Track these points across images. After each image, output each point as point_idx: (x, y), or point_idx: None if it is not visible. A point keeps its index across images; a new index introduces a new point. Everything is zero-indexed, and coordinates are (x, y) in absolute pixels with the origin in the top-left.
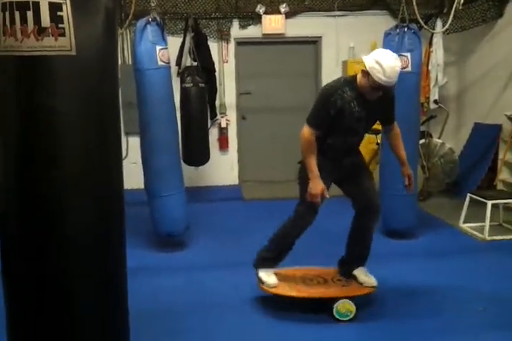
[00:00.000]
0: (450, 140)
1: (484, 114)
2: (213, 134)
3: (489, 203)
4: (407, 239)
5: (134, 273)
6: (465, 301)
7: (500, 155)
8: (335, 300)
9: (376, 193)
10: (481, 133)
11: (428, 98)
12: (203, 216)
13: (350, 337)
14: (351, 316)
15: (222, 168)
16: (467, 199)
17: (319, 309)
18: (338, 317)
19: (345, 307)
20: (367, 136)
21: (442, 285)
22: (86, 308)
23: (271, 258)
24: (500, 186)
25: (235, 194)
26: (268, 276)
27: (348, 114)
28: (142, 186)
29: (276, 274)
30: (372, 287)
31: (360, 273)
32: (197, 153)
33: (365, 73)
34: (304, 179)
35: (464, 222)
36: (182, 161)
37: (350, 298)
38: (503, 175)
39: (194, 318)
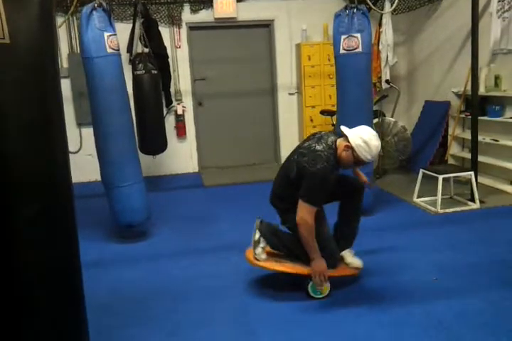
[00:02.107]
0: (402, 118)
1: (433, 92)
2: (170, 122)
3: (440, 177)
4: (364, 216)
5: (96, 265)
6: (420, 271)
7: (450, 131)
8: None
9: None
10: (431, 111)
11: (380, 78)
12: (163, 205)
13: (317, 307)
14: (325, 294)
15: (181, 156)
16: (420, 174)
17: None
18: (311, 293)
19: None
20: (323, 117)
21: (398, 257)
22: (37, 302)
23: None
24: (450, 161)
25: (195, 181)
26: (262, 252)
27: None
28: (100, 178)
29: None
30: (357, 268)
31: (347, 255)
32: (153, 142)
33: (349, 148)
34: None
35: (418, 197)
36: (139, 150)
37: (335, 278)
38: (453, 149)
39: (160, 306)
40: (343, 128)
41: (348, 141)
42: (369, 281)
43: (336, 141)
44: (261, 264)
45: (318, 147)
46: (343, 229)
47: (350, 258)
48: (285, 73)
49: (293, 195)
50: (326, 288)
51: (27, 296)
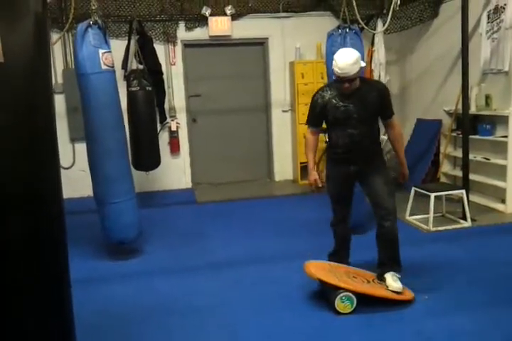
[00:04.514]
0: None
1: (425, 110)
2: (164, 138)
3: (432, 195)
4: (357, 235)
5: (88, 282)
6: (412, 290)
7: (442, 149)
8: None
9: (386, 196)
10: (423, 129)
11: None
12: (156, 221)
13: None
14: (351, 310)
15: (175, 172)
16: (412, 192)
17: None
18: (338, 308)
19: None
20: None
21: None
22: (25, 317)
23: (332, 253)
24: (443, 179)
25: (188, 197)
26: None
27: (331, 108)
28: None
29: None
30: (395, 292)
31: (389, 277)
32: (146, 158)
33: None
34: (326, 177)
35: (410, 215)
36: (132, 166)
37: (394, 302)
38: (445, 167)
39: (152, 324)
40: None
41: None
42: (362, 299)
43: None
44: (319, 277)
45: None
46: (380, 250)
47: (391, 280)
48: (279, 90)
49: None
50: (351, 305)
51: (15, 312)
